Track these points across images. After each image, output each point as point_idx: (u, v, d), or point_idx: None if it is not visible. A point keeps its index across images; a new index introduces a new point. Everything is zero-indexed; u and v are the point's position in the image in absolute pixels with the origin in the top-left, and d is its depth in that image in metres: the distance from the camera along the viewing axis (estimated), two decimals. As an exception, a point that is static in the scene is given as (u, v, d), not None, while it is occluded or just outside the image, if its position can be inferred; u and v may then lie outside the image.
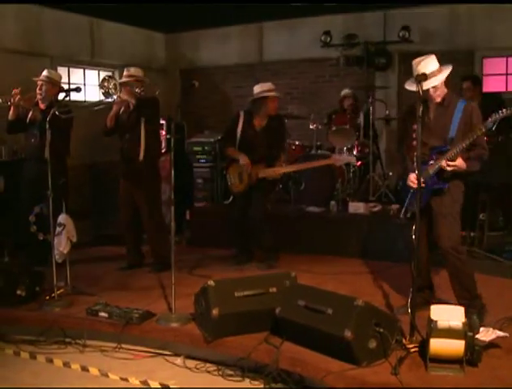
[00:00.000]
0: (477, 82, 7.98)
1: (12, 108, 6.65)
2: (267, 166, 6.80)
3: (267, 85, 6.85)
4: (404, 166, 5.04)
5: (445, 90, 4.81)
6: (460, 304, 4.53)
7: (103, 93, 6.25)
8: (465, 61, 9.00)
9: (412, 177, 4.77)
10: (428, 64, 4.67)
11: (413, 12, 9.25)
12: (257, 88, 6.82)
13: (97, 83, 9.86)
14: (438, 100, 4.78)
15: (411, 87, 4.67)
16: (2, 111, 6.80)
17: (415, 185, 4.64)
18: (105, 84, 6.19)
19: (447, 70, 4.75)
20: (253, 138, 6.82)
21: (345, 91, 9.05)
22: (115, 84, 6.24)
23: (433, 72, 4.64)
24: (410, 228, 4.79)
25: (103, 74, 9.95)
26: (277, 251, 7.04)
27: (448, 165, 4.63)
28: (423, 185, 4.55)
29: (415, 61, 4.71)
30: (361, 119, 8.58)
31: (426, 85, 4.55)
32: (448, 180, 4.79)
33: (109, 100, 6.37)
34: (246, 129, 6.84)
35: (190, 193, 9.15)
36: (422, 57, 4.71)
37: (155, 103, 6.72)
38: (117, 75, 9.79)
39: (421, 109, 4.26)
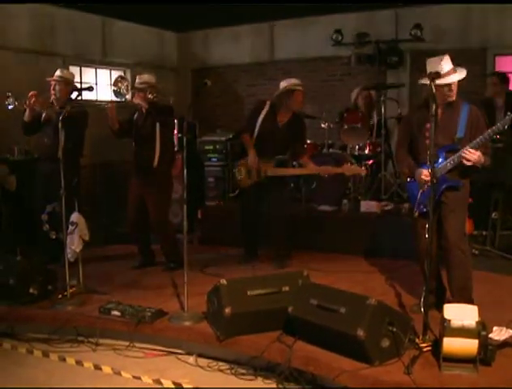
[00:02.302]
0: (504, 79, 7.91)
1: (28, 110, 6.67)
2: (278, 165, 6.80)
3: (295, 80, 6.82)
4: (409, 166, 5.03)
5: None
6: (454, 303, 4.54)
7: (114, 92, 6.28)
8: (477, 60, 8.97)
9: (425, 172, 4.78)
10: (447, 63, 4.72)
11: (425, 10, 9.21)
12: (284, 83, 6.77)
13: (109, 83, 9.88)
14: (450, 99, 4.78)
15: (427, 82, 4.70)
16: (17, 112, 6.83)
17: (427, 179, 4.69)
18: (118, 84, 6.22)
19: (463, 71, 4.76)
20: (273, 133, 6.75)
21: (359, 89, 9.00)
22: (127, 85, 6.27)
23: (449, 71, 4.66)
24: (418, 227, 4.87)
25: (114, 73, 9.98)
26: (290, 250, 7.03)
27: (469, 153, 4.60)
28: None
29: (433, 59, 4.71)
30: (375, 118, 8.56)
31: (448, 80, 4.64)
32: (460, 177, 4.81)
33: (119, 99, 6.40)
34: (268, 121, 6.76)
35: (202, 192, 9.16)
36: (440, 57, 4.72)
37: (170, 110, 6.73)
38: (128, 74, 9.81)
39: (434, 108, 4.25)
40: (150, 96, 6.52)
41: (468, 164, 4.66)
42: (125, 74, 10.05)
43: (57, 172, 5.66)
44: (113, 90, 6.29)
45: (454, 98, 4.79)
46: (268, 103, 6.83)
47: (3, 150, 7.73)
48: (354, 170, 7.13)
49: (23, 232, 7.22)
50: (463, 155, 4.64)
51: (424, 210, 4.88)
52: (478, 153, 4.61)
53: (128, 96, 6.35)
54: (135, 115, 6.73)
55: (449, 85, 4.71)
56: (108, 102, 6.47)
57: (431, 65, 4.73)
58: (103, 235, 8.71)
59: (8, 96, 6.43)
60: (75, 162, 6.83)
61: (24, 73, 7.92)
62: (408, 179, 5.10)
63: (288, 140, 6.83)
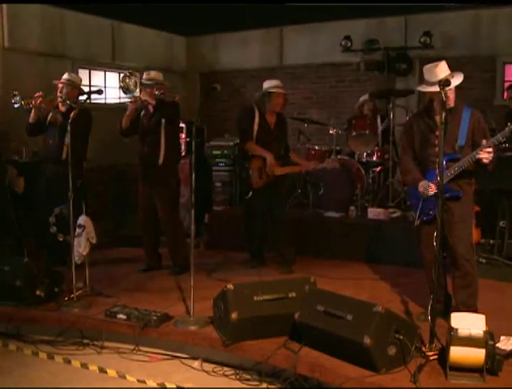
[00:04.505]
0: None
1: (33, 110, 6.69)
2: (282, 164, 6.83)
3: (275, 82, 6.86)
4: (413, 178, 5.02)
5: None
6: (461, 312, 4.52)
7: (122, 89, 6.28)
8: (486, 67, 8.95)
9: (425, 183, 4.79)
10: (444, 68, 4.73)
11: (434, 17, 9.21)
12: (265, 84, 6.85)
13: (118, 85, 9.90)
14: (448, 105, 4.73)
15: (425, 89, 4.74)
16: (24, 113, 6.85)
17: (429, 192, 4.70)
18: (126, 80, 6.22)
19: (460, 76, 4.76)
20: (268, 135, 6.81)
21: (364, 97, 9.02)
22: (135, 81, 6.28)
23: (447, 76, 4.66)
24: (422, 235, 4.87)
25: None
26: (295, 255, 7.01)
27: (485, 152, 4.55)
28: (435, 191, 4.59)
29: (429, 66, 4.76)
30: (379, 124, 8.55)
31: (436, 88, 4.58)
32: (461, 187, 4.82)
33: (128, 96, 6.41)
34: (262, 125, 6.82)
35: (209, 196, 9.16)
36: (435, 63, 4.75)
37: (176, 107, 6.75)
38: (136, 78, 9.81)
39: (444, 115, 4.24)
40: (157, 92, 6.54)
41: (487, 161, 4.59)
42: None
43: (61, 174, 5.67)
44: (121, 86, 6.29)
45: (452, 104, 4.77)
46: (256, 108, 6.87)
47: (12, 152, 7.74)
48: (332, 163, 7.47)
49: (31, 234, 7.23)
50: (481, 155, 4.57)
51: (426, 218, 4.88)
52: (491, 150, 4.57)
53: (136, 93, 6.37)
54: (142, 113, 6.75)
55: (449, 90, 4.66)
56: (134, 97, 6.48)
57: (426, 72, 4.76)
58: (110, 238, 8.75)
59: (15, 94, 6.45)
60: (79, 165, 6.83)
61: (34, 75, 7.94)
62: (407, 187, 5.11)
63: (280, 140, 6.91)
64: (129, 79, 6.23)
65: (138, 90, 6.38)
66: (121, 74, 6.34)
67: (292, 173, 7.30)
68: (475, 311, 4.72)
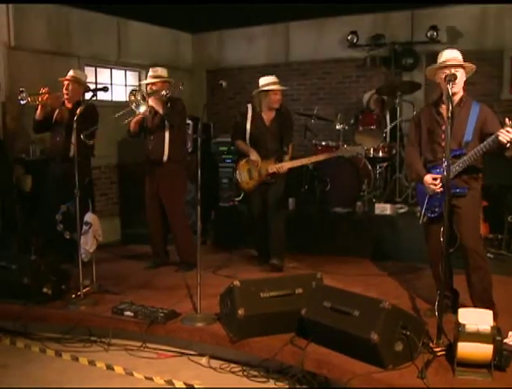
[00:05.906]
0: None
1: (39, 107, 6.70)
2: (277, 161, 6.76)
3: (271, 78, 6.77)
4: (417, 173, 4.99)
5: (463, 90, 4.79)
6: (476, 307, 4.49)
7: (134, 106, 6.30)
8: (493, 62, 8.90)
9: (428, 179, 4.76)
10: (456, 52, 4.75)
11: (441, 12, 9.16)
12: (260, 81, 6.77)
13: (124, 83, 9.91)
14: (454, 91, 4.63)
15: (431, 67, 4.78)
16: (30, 110, 6.86)
17: (435, 188, 4.67)
18: (133, 98, 6.25)
19: (471, 66, 4.74)
20: (263, 133, 6.77)
21: (371, 92, 8.99)
22: (143, 95, 6.31)
23: (454, 59, 4.67)
24: (429, 231, 4.85)
25: (130, 74, 9.99)
26: (284, 251, 6.92)
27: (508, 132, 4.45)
28: (441, 189, 4.57)
29: (447, 51, 4.74)
30: (387, 119, 8.53)
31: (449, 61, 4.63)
32: (467, 183, 4.78)
33: (141, 109, 6.40)
34: (256, 123, 6.78)
35: (216, 193, 9.16)
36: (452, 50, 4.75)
37: (180, 104, 6.75)
38: (143, 76, 9.81)
39: (450, 109, 4.22)
40: (164, 92, 6.54)
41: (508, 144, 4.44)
42: (140, 75, 10.06)
43: (69, 171, 5.67)
44: (132, 105, 6.29)
45: (460, 92, 4.73)
46: (249, 106, 6.85)
47: (19, 150, 7.75)
48: (352, 151, 7.13)
49: (38, 232, 7.24)
50: (502, 137, 4.39)
51: (432, 215, 4.85)
52: None
53: (147, 104, 6.39)
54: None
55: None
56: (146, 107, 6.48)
57: (439, 56, 4.76)
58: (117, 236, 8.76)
59: (21, 91, 6.46)
60: (86, 162, 6.84)
61: (40, 74, 7.93)
62: (414, 182, 5.08)
63: (279, 136, 6.82)
64: (135, 95, 6.25)
65: (147, 101, 6.40)
66: (129, 79, 6.34)
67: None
68: (491, 304, 4.70)
